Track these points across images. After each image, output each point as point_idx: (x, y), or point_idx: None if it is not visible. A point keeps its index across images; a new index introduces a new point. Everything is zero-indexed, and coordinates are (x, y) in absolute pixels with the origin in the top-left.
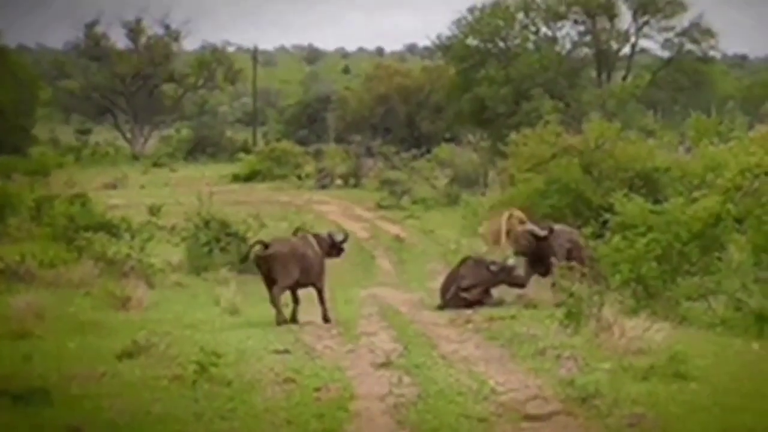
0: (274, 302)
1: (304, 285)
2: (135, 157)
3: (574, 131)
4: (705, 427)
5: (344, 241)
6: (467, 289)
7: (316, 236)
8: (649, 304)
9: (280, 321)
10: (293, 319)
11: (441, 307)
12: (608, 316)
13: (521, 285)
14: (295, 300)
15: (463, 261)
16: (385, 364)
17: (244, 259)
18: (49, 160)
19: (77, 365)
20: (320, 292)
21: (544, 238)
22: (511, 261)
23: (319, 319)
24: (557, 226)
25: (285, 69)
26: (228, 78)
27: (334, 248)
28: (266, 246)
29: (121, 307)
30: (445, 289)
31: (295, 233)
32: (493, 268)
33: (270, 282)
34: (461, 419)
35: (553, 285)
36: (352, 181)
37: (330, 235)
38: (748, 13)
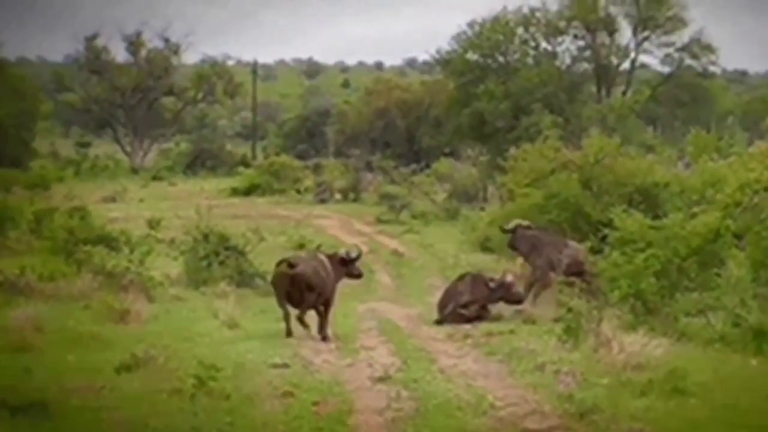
0: (286, 318)
1: (318, 305)
2: (134, 171)
3: (573, 146)
4: None
5: (356, 259)
6: (465, 306)
7: (329, 256)
8: (648, 320)
9: (289, 335)
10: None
11: (439, 322)
12: (607, 331)
13: (519, 301)
14: (320, 314)
15: (461, 277)
16: (384, 379)
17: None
18: (48, 173)
19: (76, 378)
20: (326, 311)
21: (511, 231)
22: (509, 277)
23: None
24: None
25: (284, 83)
26: (228, 92)
27: (347, 266)
28: (292, 265)
29: (120, 320)
30: (442, 305)
31: (317, 249)
32: (491, 284)
33: (291, 300)
34: None
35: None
36: (351, 195)
37: (347, 253)
38: (748, 28)
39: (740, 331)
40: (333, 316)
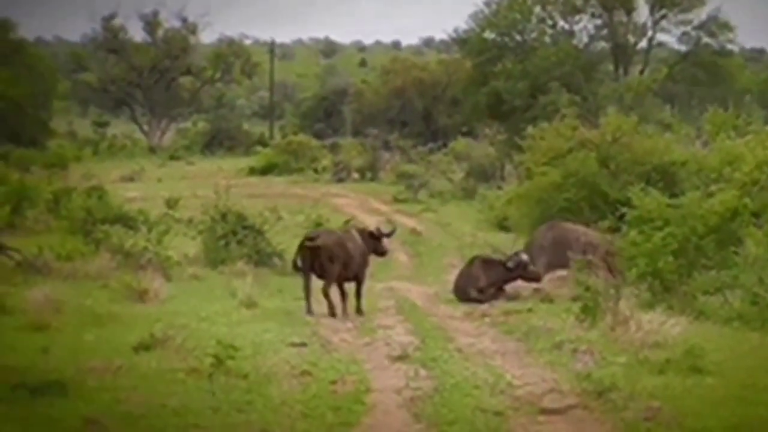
0: (307, 294)
1: (347, 279)
2: (152, 150)
3: (590, 125)
4: (721, 420)
5: (388, 235)
6: (482, 291)
7: (360, 230)
8: (666, 298)
9: (333, 313)
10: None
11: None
12: (625, 310)
13: (537, 279)
14: (342, 294)
15: (471, 262)
16: (402, 358)
17: (296, 265)
18: (66, 152)
19: (94, 358)
20: (358, 285)
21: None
22: (524, 256)
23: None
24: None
25: (302, 62)
26: (245, 71)
27: (376, 242)
28: (312, 239)
29: (138, 299)
30: (458, 289)
31: (345, 224)
32: (510, 264)
33: (316, 273)
34: (477, 413)
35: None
36: (368, 174)
37: (377, 229)
38: (765, 6)
39: (758, 309)
40: (349, 295)
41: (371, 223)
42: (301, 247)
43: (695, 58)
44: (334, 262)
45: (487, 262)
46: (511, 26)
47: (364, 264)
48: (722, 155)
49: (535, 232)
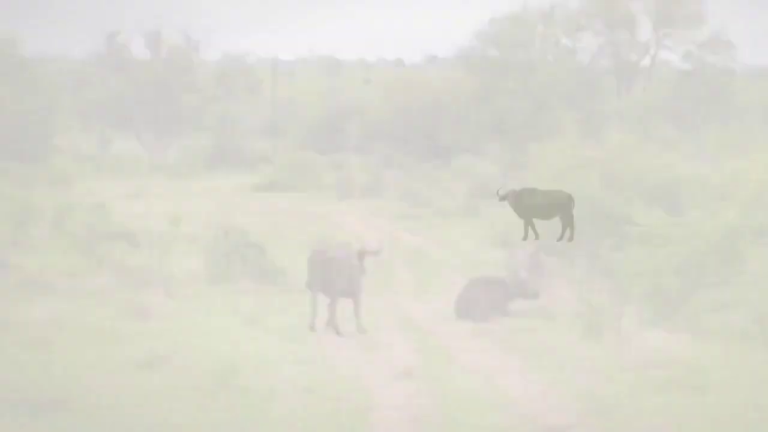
0: (313, 309)
1: (346, 295)
2: (155, 167)
3: (593, 142)
4: None
5: (374, 253)
6: (486, 312)
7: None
8: (669, 316)
9: (337, 331)
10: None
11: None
12: (627, 327)
13: (534, 296)
14: (331, 307)
15: (473, 283)
16: (404, 375)
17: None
18: (69, 169)
19: (96, 375)
20: (357, 303)
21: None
22: (523, 273)
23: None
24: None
25: (305, 79)
26: (248, 88)
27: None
28: (322, 252)
29: (140, 316)
30: (460, 310)
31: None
32: (508, 281)
33: (323, 287)
34: (480, 430)
35: None
36: (372, 191)
37: (362, 248)
38: None
39: (761, 327)
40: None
41: (373, 239)
42: (312, 261)
43: (698, 76)
44: (341, 277)
45: (489, 283)
46: (515, 44)
47: (361, 282)
48: (725, 173)
49: None
